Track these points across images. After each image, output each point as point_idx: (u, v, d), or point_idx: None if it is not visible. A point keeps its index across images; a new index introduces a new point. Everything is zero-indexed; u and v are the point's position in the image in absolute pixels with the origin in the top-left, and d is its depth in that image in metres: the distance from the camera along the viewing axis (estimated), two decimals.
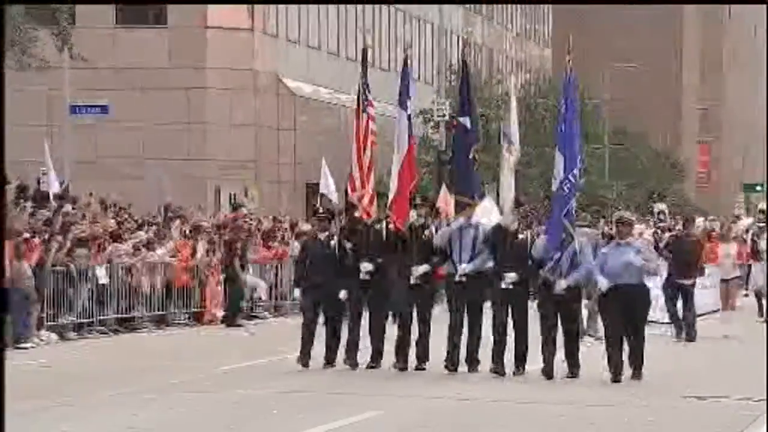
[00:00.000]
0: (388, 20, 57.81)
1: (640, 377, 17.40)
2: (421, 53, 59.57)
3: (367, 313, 18.53)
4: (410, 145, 19.00)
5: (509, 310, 17.82)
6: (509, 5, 73.67)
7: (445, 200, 26.95)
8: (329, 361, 18.44)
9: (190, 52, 45.89)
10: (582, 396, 16.20)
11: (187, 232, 28.63)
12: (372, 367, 18.26)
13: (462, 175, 19.04)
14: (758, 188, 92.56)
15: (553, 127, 19.55)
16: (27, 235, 23.22)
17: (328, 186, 31.57)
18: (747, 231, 32.91)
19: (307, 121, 48.23)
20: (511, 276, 17.71)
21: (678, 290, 23.44)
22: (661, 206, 31.25)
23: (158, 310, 26.63)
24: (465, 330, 18.06)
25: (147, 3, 45.83)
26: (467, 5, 65.47)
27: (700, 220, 34.32)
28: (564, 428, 14.03)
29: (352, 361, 18.31)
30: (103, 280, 24.89)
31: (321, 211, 19.74)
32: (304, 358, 18.35)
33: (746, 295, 29.93)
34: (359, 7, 54.59)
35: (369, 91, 19.10)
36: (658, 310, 23.19)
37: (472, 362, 18.02)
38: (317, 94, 49.22)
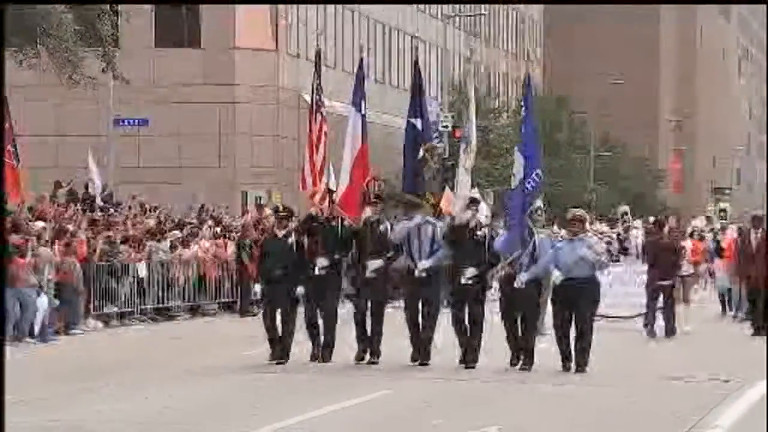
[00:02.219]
0: (397, 43, 57.81)
1: (585, 369, 16.42)
2: (426, 72, 59.60)
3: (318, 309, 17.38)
4: (363, 144, 17.81)
5: (467, 305, 16.84)
6: (505, 29, 73.70)
7: (448, 200, 26.78)
8: (276, 358, 17.22)
9: (220, 70, 45.93)
10: (568, 378, 16.13)
11: (218, 231, 28.64)
12: (320, 360, 17.17)
13: (411, 175, 17.80)
14: (727, 191, 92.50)
15: (518, 129, 18.45)
16: (71, 228, 23.23)
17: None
18: (708, 230, 31.35)
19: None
20: (470, 271, 16.74)
21: (658, 291, 21.95)
22: (624, 208, 30.55)
23: (192, 301, 26.63)
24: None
25: (183, 2, 45.74)
26: (468, 29, 65.42)
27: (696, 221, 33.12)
28: (549, 406, 14.01)
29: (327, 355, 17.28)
30: (143, 273, 24.89)
31: (280, 210, 18.48)
32: (274, 354, 17.20)
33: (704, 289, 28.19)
34: (371, 29, 54.61)
35: (322, 93, 18.07)
36: (603, 306, 22.44)
37: (426, 355, 16.97)
38: (333, 108, 48.98)
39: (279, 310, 17.31)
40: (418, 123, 17.78)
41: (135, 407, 13.59)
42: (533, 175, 16.70)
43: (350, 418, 13.11)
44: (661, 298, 22.01)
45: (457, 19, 60.53)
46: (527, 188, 16.66)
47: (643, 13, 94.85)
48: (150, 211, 30.28)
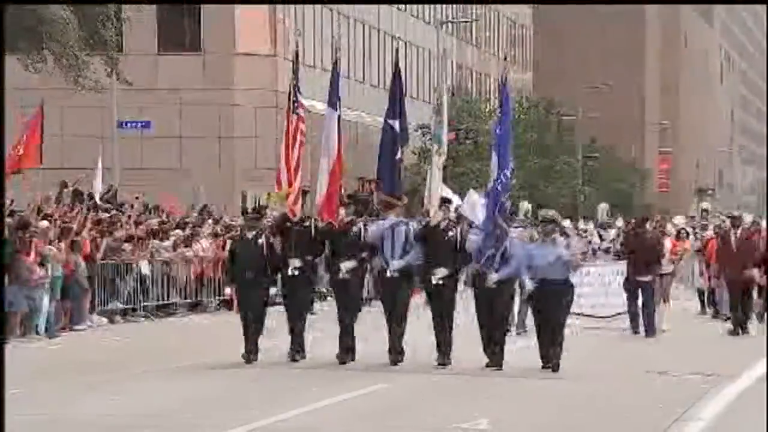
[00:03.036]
0: (394, 49, 57.78)
1: (558, 368, 16.00)
2: (421, 77, 59.74)
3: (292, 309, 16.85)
4: (340, 144, 17.21)
5: (439, 305, 16.39)
6: (497, 35, 73.76)
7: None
8: (249, 359, 16.66)
9: (221, 75, 45.96)
10: (553, 374, 15.99)
11: (219, 230, 28.63)
12: (294, 360, 16.70)
13: (389, 175, 17.13)
14: (709, 192, 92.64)
15: (492, 129, 17.33)
16: (75, 227, 23.23)
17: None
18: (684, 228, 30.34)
19: (320, 135, 48.21)
20: (441, 271, 16.26)
21: (637, 288, 21.37)
22: (602, 206, 30.15)
23: (193, 298, 26.62)
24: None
25: (184, 2, 45.73)
26: (460, 35, 65.52)
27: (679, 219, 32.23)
28: (538, 399, 14.03)
29: (300, 354, 16.79)
30: (146, 271, 24.89)
31: (249, 210, 17.69)
32: (249, 354, 16.65)
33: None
34: (367, 35, 54.65)
35: (300, 93, 17.38)
36: (587, 306, 21.63)
37: (399, 353, 16.53)
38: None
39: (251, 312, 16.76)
40: (396, 124, 17.16)
41: (137, 401, 13.59)
42: (501, 175, 16.26)
43: (348, 410, 13.13)
44: (640, 296, 21.36)
45: (450, 25, 60.61)
46: (497, 188, 16.23)
47: (629, 18, 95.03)
48: (150, 212, 30.25)
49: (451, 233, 16.50)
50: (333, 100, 17.47)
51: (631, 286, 21.49)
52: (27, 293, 20.32)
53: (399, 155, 17.12)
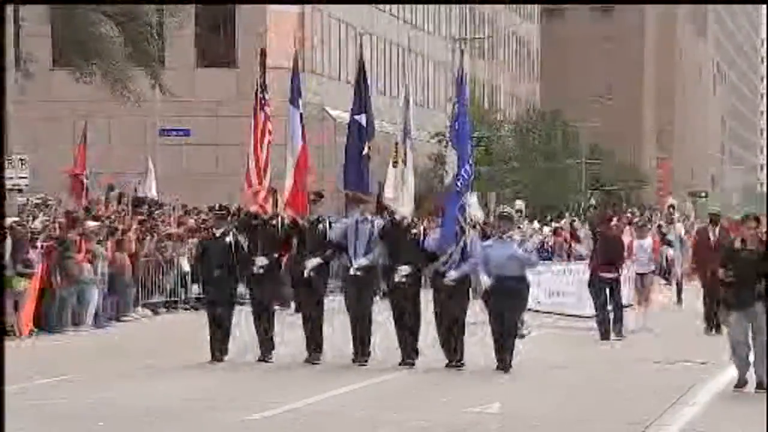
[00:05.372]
0: (413, 64, 57.86)
1: (510, 369, 14.84)
2: (437, 88, 59.79)
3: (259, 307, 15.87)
4: (304, 142, 16.25)
5: (403, 302, 15.19)
6: (506, 50, 73.72)
7: None
8: (216, 357, 15.61)
9: (253, 88, 46.06)
10: (552, 364, 15.79)
11: None
12: (263, 361, 15.57)
13: (355, 171, 15.85)
14: (703, 194, 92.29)
15: (451, 126, 15.78)
16: (121, 227, 23.30)
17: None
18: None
19: (345, 142, 48.31)
20: (404, 269, 15.04)
21: (603, 286, 18.99)
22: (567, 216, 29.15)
23: None
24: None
25: (219, 3, 45.82)
26: (471, 50, 65.56)
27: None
28: (543, 387, 14.01)
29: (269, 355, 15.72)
30: (186, 267, 24.94)
31: (218, 208, 16.49)
32: (215, 353, 15.65)
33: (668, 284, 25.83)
34: (387, 51, 54.73)
35: (267, 92, 16.48)
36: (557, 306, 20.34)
37: (364, 352, 15.41)
38: (341, 118, 49.37)
39: (219, 310, 15.77)
40: (363, 120, 15.94)
41: (177, 387, 13.62)
42: (462, 172, 15.02)
43: (368, 395, 13.13)
44: (608, 295, 19.05)
45: (464, 41, 60.84)
46: (457, 185, 14.99)
47: (628, 34, 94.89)
48: (189, 214, 30.33)
49: (414, 231, 15.34)
50: (294, 99, 16.47)
51: (595, 287, 19.07)
52: (77, 288, 20.41)
53: (365, 151, 15.90)
